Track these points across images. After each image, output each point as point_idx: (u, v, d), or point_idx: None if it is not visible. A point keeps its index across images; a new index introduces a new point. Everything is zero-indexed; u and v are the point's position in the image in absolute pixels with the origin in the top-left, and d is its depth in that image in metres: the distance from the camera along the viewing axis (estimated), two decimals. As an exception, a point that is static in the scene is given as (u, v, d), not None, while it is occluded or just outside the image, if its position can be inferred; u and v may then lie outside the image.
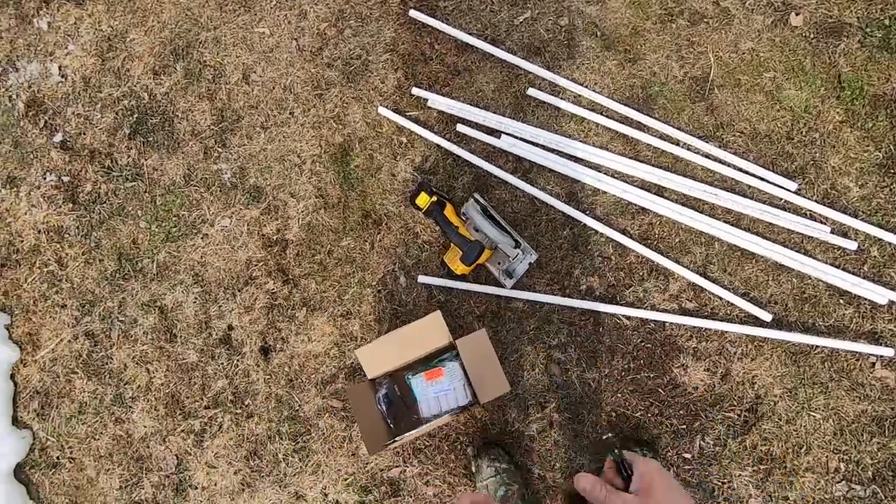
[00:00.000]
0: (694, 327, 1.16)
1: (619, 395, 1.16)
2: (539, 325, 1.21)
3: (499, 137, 1.29)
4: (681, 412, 1.14)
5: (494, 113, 1.31)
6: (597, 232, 1.23)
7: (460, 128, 1.31)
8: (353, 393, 1.08)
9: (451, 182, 1.30)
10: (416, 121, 1.33)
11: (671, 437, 1.13)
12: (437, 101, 1.33)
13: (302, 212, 1.33)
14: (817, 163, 1.21)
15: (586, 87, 1.30)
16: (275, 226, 1.34)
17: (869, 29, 1.26)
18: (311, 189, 1.34)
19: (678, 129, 1.26)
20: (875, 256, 1.15)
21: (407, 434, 1.06)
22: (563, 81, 1.30)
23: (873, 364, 1.12)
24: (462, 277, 1.22)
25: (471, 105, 1.32)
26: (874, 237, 1.16)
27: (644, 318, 1.18)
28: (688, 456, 1.12)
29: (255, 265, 1.32)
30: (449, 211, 1.22)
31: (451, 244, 1.20)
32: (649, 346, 1.18)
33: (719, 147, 1.24)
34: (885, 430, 1.09)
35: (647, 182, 1.25)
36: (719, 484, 1.11)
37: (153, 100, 1.42)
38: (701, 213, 1.21)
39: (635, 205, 1.24)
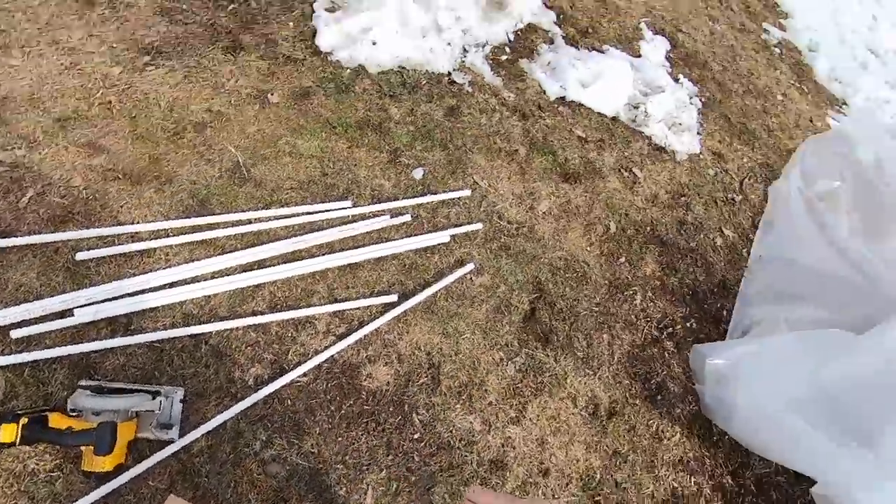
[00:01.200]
0: (356, 342, 1.33)
1: (341, 439, 1.22)
2: (233, 444, 1.16)
3: (73, 315, 1.17)
4: (389, 408, 1.28)
5: (52, 297, 1.18)
6: (230, 330, 1.26)
7: (15, 334, 1.12)
8: None
9: (44, 390, 1.10)
10: (-50, 361, 1.07)
11: (398, 433, 1.26)
12: (-32, 325, 1.10)
13: None
14: (354, 179, 1.56)
15: (137, 223, 1.31)
16: None
17: (324, 85, 1.70)
18: None
19: (243, 211, 1.41)
20: (423, 216, 1.56)
21: None
22: (110, 230, 1.28)
23: (472, 279, 1.51)
24: (119, 469, 1.05)
25: (18, 304, 1.15)
26: (417, 205, 1.57)
27: (317, 365, 1.27)
28: (416, 436, 1.27)
29: None
30: (56, 419, 1.03)
31: (81, 448, 1.02)
32: (335, 381, 1.28)
33: (283, 206, 1.45)
34: (503, 313, 1.49)
35: (251, 263, 1.35)
36: (450, 433, 1.30)
37: None
38: (304, 259, 1.39)
39: (250, 286, 1.32)
